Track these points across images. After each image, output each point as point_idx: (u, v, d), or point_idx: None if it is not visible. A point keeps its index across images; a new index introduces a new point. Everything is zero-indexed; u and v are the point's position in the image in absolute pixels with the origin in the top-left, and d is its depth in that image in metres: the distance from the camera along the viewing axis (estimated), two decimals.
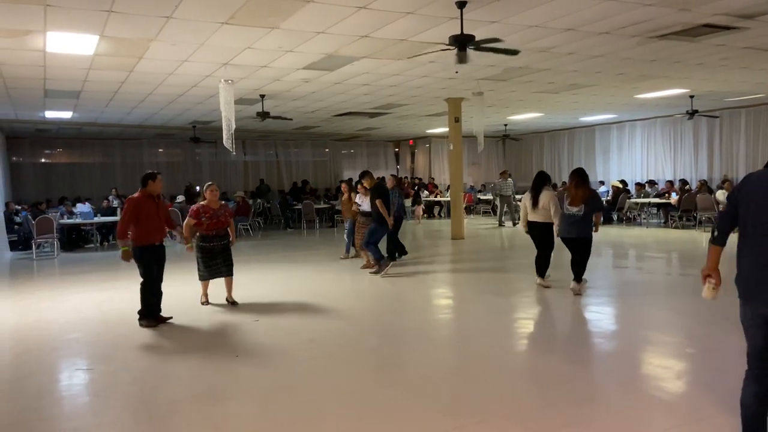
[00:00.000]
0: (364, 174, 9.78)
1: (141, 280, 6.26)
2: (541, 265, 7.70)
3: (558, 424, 3.58)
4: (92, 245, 14.06)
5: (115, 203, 15.98)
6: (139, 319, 6.26)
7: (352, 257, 10.62)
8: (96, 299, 7.76)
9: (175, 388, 4.44)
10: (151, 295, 6.25)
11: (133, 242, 6.13)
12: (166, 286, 6.55)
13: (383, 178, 11.03)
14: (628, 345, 5.28)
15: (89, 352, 5.51)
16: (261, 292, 7.92)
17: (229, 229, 7.04)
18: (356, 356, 5.05)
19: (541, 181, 7.57)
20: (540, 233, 7.52)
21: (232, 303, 7.09)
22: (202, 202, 6.97)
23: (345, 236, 11.00)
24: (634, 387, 4.19)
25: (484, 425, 3.59)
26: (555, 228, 7.27)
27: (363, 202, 9.86)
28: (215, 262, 6.96)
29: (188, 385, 4.50)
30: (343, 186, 11.45)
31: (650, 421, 3.61)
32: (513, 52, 7.13)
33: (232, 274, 7.14)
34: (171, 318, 6.39)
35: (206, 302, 7.16)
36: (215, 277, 7.04)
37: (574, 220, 6.98)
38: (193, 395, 4.26)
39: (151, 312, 6.26)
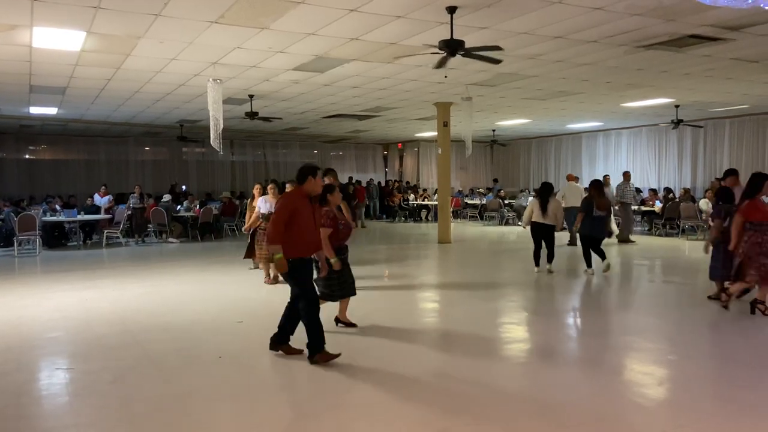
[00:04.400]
0: (329, 171, 7.37)
1: (304, 303, 4.87)
2: (539, 258, 9.08)
3: (541, 428, 3.60)
4: (75, 243, 13.90)
5: (132, 201, 15.53)
6: (310, 356, 4.83)
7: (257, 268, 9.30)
8: (78, 298, 7.66)
9: (158, 388, 4.39)
10: (286, 319, 5.06)
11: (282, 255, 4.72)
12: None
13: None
14: (610, 351, 5.32)
15: (70, 351, 5.44)
16: (256, 295, 7.89)
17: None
18: (343, 357, 5.03)
19: (549, 190, 8.89)
20: (547, 234, 8.91)
21: (349, 324, 5.96)
22: (325, 208, 5.43)
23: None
24: (615, 393, 4.23)
25: (469, 427, 3.60)
26: (560, 227, 8.94)
27: (267, 206, 8.19)
28: (348, 275, 5.71)
29: (172, 385, 4.45)
30: (257, 188, 9.06)
31: (631, 427, 3.63)
32: (496, 61, 7.18)
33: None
34: (302, 351, 4.95)
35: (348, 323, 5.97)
36: (349, 296, 5.81)
37: (599, 222, 8.60)
38: (175, 395, 4.22)
39: (310, 341, 4.84)
